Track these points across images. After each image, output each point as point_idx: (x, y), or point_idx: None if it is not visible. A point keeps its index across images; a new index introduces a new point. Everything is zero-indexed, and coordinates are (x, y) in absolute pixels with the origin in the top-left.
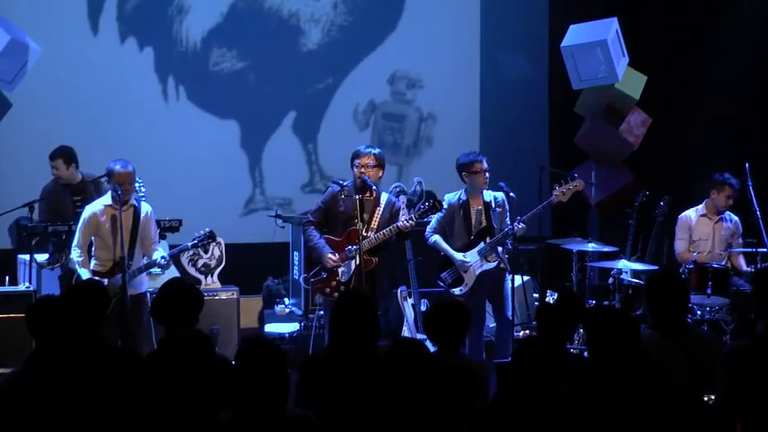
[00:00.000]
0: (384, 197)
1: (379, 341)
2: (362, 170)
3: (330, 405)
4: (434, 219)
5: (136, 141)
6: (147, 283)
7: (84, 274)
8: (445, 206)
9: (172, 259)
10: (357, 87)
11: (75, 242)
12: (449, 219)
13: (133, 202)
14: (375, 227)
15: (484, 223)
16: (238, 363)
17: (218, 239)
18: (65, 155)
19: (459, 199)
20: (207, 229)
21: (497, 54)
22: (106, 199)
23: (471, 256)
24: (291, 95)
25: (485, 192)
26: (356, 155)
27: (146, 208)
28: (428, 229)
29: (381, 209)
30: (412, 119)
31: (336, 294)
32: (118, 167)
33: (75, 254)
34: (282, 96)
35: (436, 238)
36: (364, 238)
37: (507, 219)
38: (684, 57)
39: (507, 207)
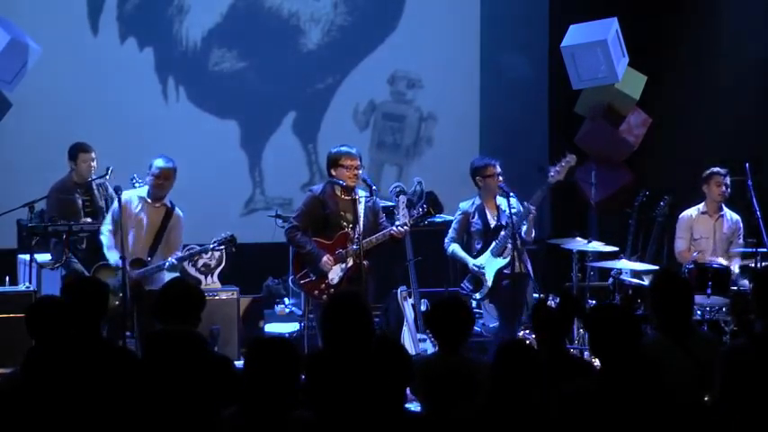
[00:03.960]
0: (361, 194)
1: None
2: (355, 172)
3: (328, 405)
4: (451, 228)
5: (136, 141)
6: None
7: (113, 257)
8: (460, 213)
9: (179, 264)
10: (357, 87)
11: (105, 225)
12: (465, 226)
13: (167, 202)
14: (360, 228)
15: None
16: (252, 360)
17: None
18: (88, 149)
19: (474, 204)
20: (228, 233)
21: (497, 54)
22: (142, 191)
23: (484, 258)
24: (291, 95)
25: (498, 197)
26: (345, 156)
27: (179, 212)
28: (446, 240)
29: (362, 208)
30: (412, 119)
31: (325, 297)
32: (161, 163)
33: (105, 238)
34: (282, 96)
35: (454, 247)
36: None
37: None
38: (684, 57)
39: (521, 209)
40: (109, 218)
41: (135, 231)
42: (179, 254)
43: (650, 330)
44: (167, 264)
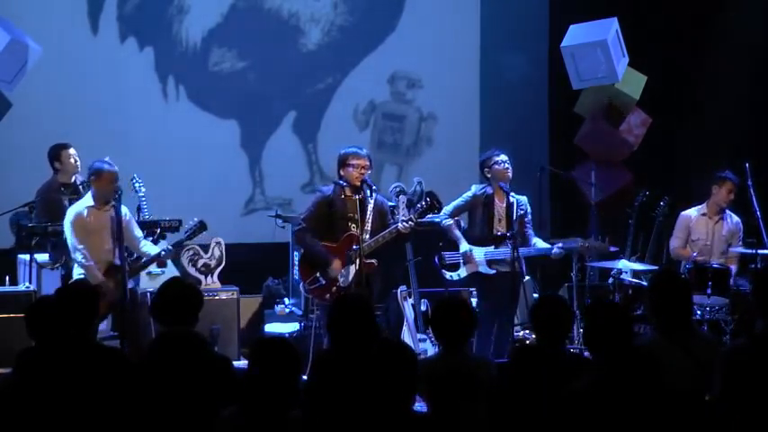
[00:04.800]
0: (370, 195)
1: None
2: (362, 171)
3: (333, 406)
4: (452, 204)
5: (136, 141)
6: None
7: (99, 276)
8: (470, 195)
9: (175, 249)
10: (357, 87)
11: (77, 247)
12: (468, 208)
13: (113, 202)
14: (368, 228)
15: (504, 225)
16: (253, 360)
17: (219, 240)
18: (68, 145)
19: (485, 192)
20: (195, 220)
21: (497, 54)
22: (87, 200)
23: (477, 252)
24: (291, 95)
25: (510, 196)
26: (352, 156)
27: (124, 209)
28: (443, 212)
29: (371, 208)
30: (412, 119)
31: None
32: (107, 167)
33: (82, 257)
34: (282, 96)
35: (450, 222)
36: (363, 241)
37: (529, 228)
38: (684, 57)
39: (529, 210)
40: (72, 238)
41: (96, 240)
42: (155, 248)
43: (650, 330)
44: (163, 252)
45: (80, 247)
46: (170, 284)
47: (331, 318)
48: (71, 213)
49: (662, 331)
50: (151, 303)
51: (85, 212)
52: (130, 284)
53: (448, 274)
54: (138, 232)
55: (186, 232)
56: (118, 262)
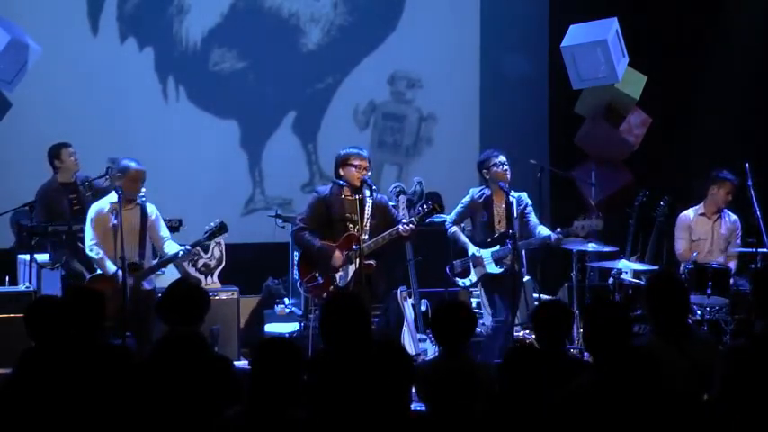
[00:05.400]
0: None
1: (371, 340)
2: (362, 171)
3: (330, 405)
4: (454, 211)
5: (136, 141)
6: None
7: (111, 267)
8: (468, 199)
9: (192, 249)
10: (357, 87)
11: (89, 241)
12: (469, 213)
13: (138, 201)
14: (367, 228)
15: (504, 224)
16: (257, 360)
17: (219, 240)
18: (69, 144)
19: (483, 194)
20: (217, 221)
21: (497, 54)
22: (113, 197)
23: (484, 254)
24: (291, 95)
25: (510, 195)
26: (353, 156)
27: (151, 208)
28: (448, 221)
29: (369, 208)
30: (412, 119)
31: None
32: (134, 165)
33: (94, 252)
34: (282, 96)
35: (455, 229)
36: (363, 241)
37: (532, 219)
38: (684, 57)
39: (529, 204)
40: (90, 233)
41: (115, 237)
42: (178, 246)
43: (645, 332)
44: (180, 252)
45: (93, 242)
46: (177, 285)
47: (322, 317)
48: (93, 209)
49: (659, 333)
50: (157, 303)
51: (107, 209)
52: (149, 285)
53: (460, 281)
54: (165, 232)
55: (206, 233)
56: (137, 260)
